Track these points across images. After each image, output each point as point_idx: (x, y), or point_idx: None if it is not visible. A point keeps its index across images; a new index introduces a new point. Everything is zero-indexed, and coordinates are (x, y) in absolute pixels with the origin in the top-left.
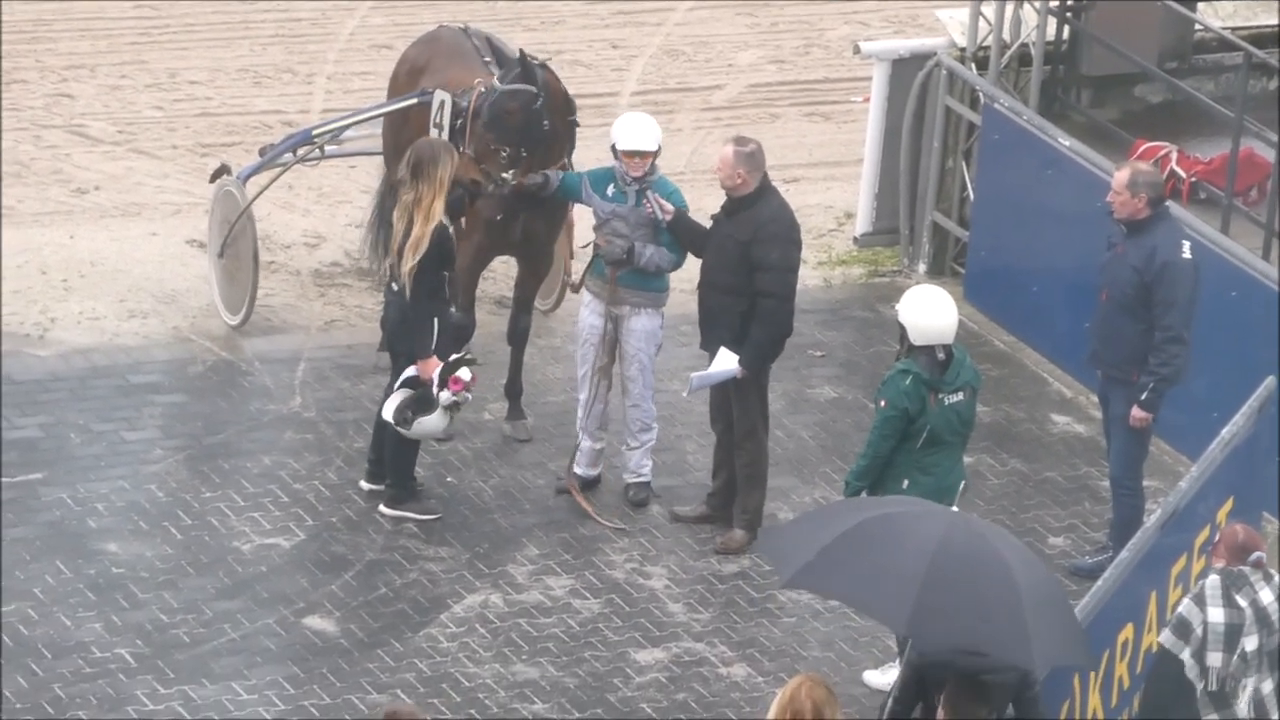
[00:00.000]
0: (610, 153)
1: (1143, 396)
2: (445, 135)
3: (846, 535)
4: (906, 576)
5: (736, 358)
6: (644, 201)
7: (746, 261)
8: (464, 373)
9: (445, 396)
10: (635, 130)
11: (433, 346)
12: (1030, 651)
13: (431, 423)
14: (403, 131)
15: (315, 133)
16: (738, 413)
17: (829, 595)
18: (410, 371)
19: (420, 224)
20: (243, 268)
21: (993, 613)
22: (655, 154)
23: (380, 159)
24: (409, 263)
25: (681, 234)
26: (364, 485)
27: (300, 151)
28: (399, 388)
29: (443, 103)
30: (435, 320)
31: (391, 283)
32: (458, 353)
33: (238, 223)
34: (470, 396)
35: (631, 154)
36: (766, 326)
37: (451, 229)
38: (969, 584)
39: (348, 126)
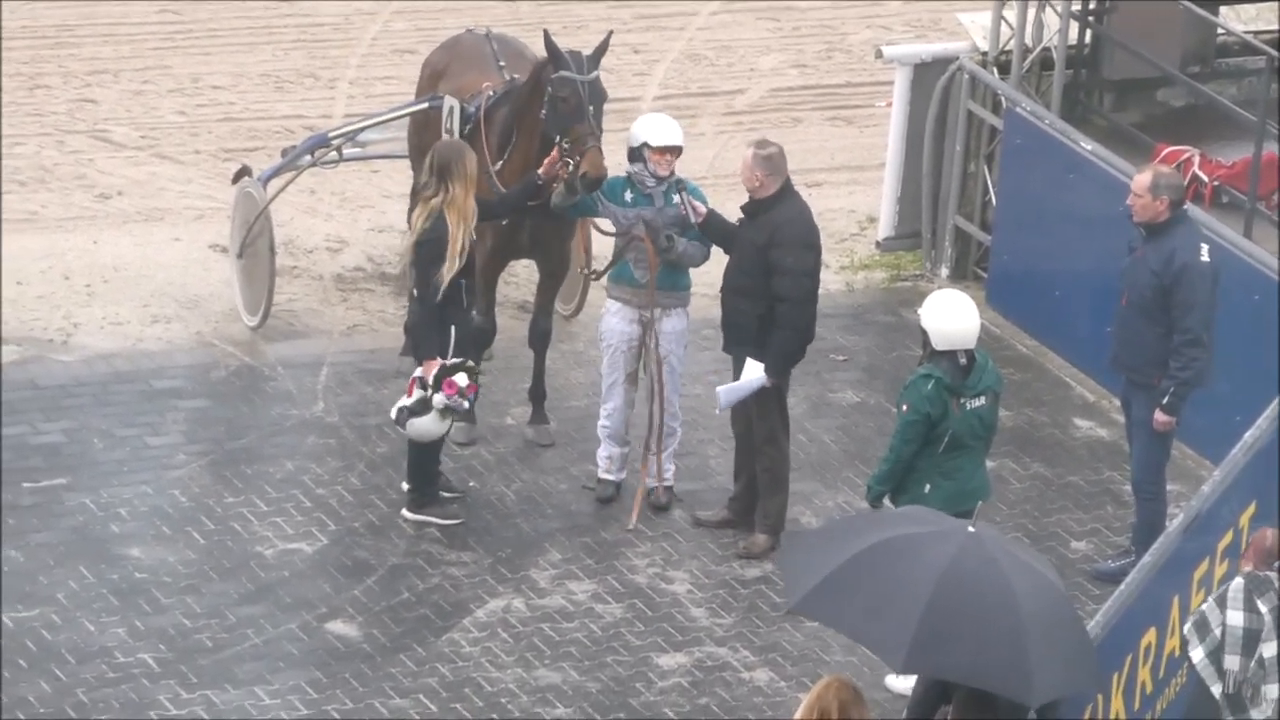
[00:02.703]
0: (627, 157)
1: (1164, 400)
2: None
3: (854, 560)
4: (906, 611)
5: (762, 367)
6: (676, 202)
7: (763, 265)
8: (460, 378)
9: (439, 399)
10: (664, 127)
11: (449, 352)
12: (1030, 684)
13: (424, 425)
14: (424, 135)
15: (331, 135)
16: (757, 417)
17: (830, 625)
18: (418, 372)
19: (456, 225)
20: (260, 269)
21: (992, 645)
22: (679, 150)
23: (403, 163)
24: (452, 267)
25: (714, 234)
26: (406, 515)
27: (317, 154)
28: (409, 389)
29: (451, 109)
30: (452, 327)
31: (413, 288)
32: (479, 358)
33: (256, 223)
34: (467, 405)
35: (664, 150)
36: (784, 331)
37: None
38: (970, 616)
39: (362, 130)
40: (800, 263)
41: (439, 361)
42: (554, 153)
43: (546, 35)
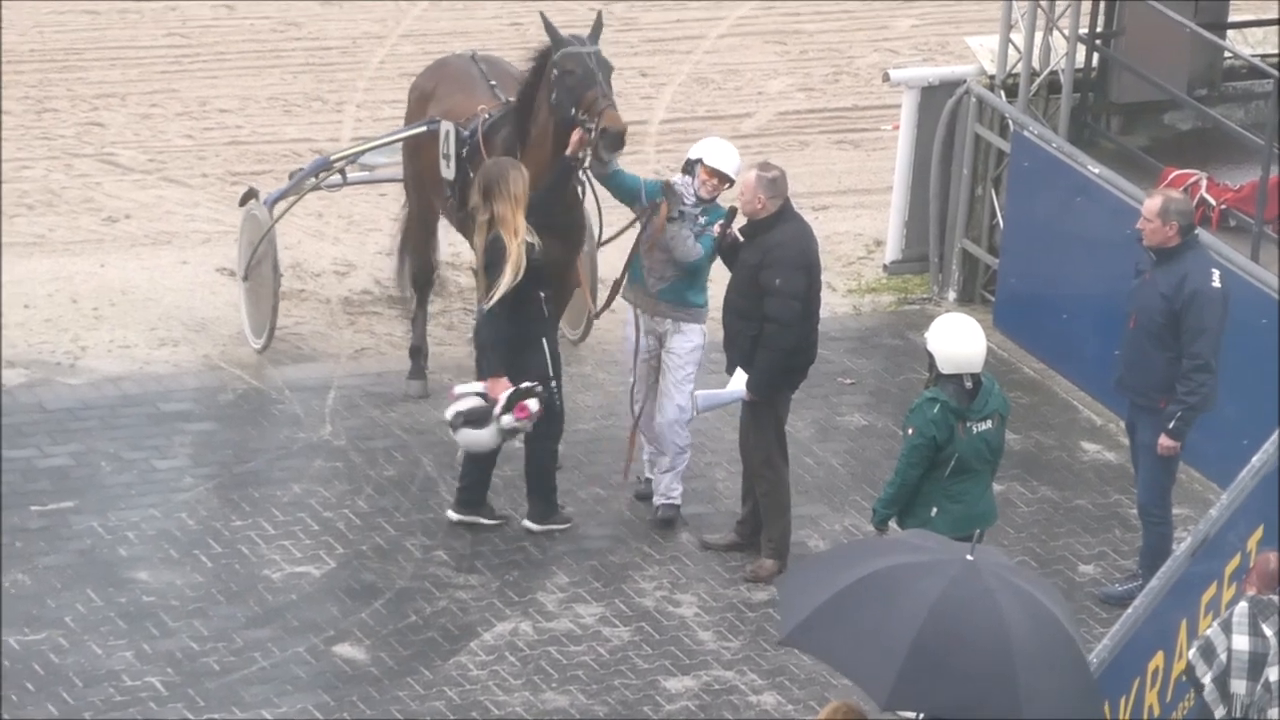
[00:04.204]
0: (681, 168)
1: (1170, 424)
2: (453, 164)
3: (845, 591)
4: (893, 645)
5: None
6: (701, 224)
7: (756, 285)
8: (533, 404)
9: (508, 420)
10: (723, 151)
11: (549, 365)
12: (1019, 716)
13: (478, 437)
14: (418, 159)
15: (333, 158)
16: (754, 441)
17: (820, 658)
18: (479, 387)
19: (510, 240)
20: (264, 291)
21: (980, 678)
22: (730, 183)
23: None
24: (509, 279)
25: (726, 253)
26: (451, 515)
27: (319, 176)
28: (469, 394)
29: (448, 132)
30: (544, 341)
31: (481, 304)
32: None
33: (260, 246)
34: (529, 428)
35: (714, 172)
36: (769, 352)
37: (538, 248)
38: (957, 649)
39: (363, 152)
40: (789, 285)
41: (507, 383)
42: (576, 131)
43: (544, 16)
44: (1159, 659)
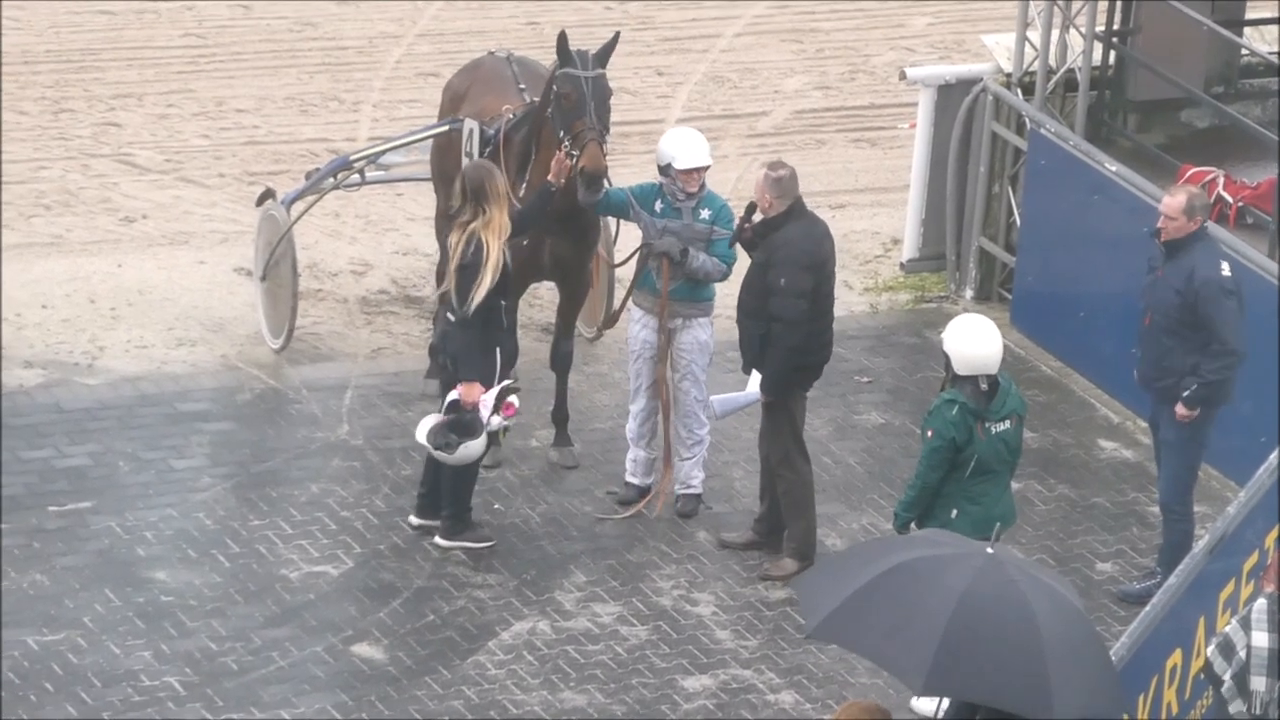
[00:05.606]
0: (657, 169)
1: (1185, 393)
2: None
3: (873, 583)
4: (925, 634)
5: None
6: (704, 218)
7: (763, 284)
8: (514, 399)
9: (496, 421)
10: (690, 149)
11: (496, 374)
12: (1051, 705)
13: (476, 447)
14: (445, 158)
15: (353, 158)
16: (771, 440)
17: (850, 649)
18: (453, 396)
19: (494, 243)
20: (283, 291)
21: (1012, 666)
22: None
23: (426, 186)
24: (488, 283)
25: (749, 246)
26: (413, 520)
27: (339, 176)
28: (443, 412)
29: (471, 131)
30: (496, 349)
31: (448, 312)
32: (505, 379)
33: (279, 246)
34: (512, 425)
35: (691, 171)
36: (776, 350)
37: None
38: (989, 637)
39: (384, 152)
40: (794, 284)
41: (482, 387)
42: (559, 153)
43: (561, 35)
44: (1177, 656)
